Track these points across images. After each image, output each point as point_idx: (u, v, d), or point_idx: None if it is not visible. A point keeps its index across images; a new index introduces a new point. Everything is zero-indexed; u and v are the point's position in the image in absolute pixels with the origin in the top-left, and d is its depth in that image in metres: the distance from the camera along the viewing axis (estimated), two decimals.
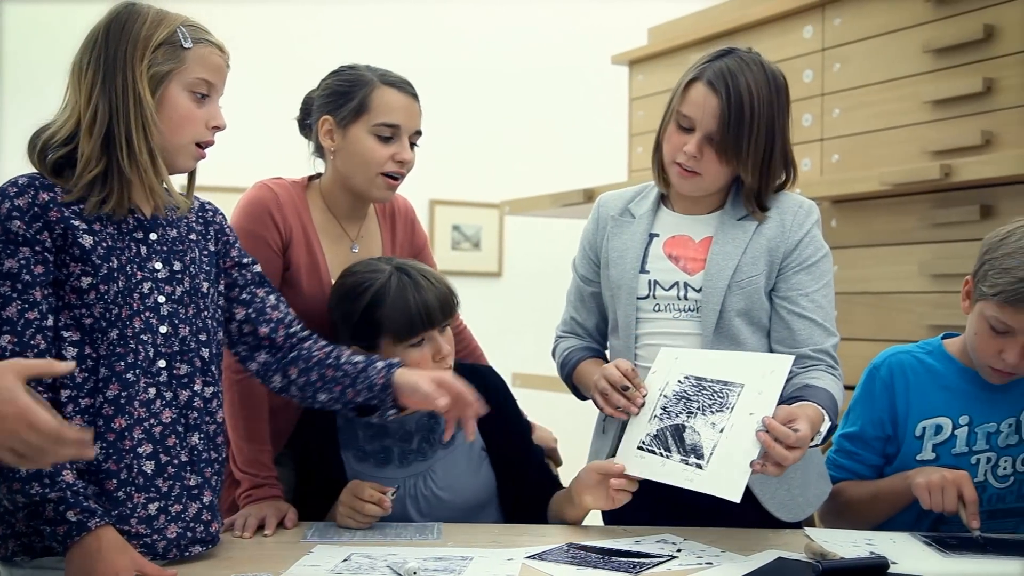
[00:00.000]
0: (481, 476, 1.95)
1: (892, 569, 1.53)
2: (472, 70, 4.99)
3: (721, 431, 1.65)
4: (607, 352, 2.04)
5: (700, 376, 1.72)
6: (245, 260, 1.77)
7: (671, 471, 1.68)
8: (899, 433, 1.90)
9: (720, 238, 1.84)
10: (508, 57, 5.08)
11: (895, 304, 2.93)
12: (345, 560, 1.60)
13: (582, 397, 2.01)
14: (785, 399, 1.70)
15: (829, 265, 1.89)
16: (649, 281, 1.86)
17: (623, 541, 1.73)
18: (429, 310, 1.85)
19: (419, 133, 2.04)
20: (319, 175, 2.10)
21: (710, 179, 1.81)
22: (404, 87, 2.01)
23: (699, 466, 1.64)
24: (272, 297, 1.78)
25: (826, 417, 1.68)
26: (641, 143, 3.83)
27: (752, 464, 1.60)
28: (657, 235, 1.89)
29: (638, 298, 1.87)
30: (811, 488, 1.88)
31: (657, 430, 1.71)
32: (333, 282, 1.99)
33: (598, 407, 1.86)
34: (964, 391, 1.87)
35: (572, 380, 1.99)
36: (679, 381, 1.73)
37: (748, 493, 1.80)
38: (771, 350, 1.82)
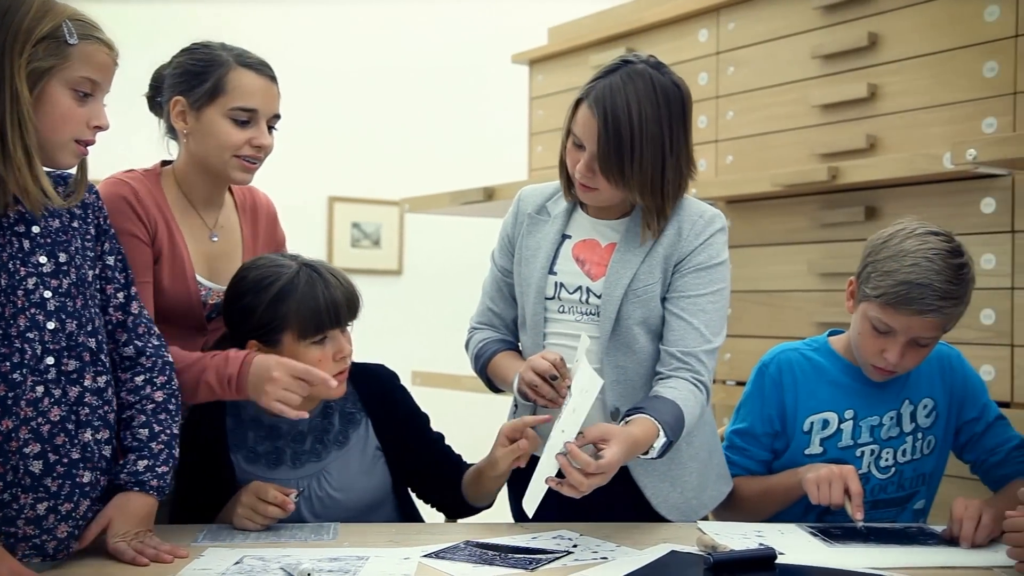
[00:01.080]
0: (376, 476, 1.94)
1: (780, 560, 1.57)
2: (373, 67, 4.96)
3: (549, 444, 1.65)
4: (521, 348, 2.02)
5: (583, 383, 1.72)
6: (108, 260, 1.70)
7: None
8: (788, 428, 1.95)
9: (623, 246, 1.84)
10: (409, 54, 5.06)
11: (785, 302, 3.01)
12: (237, 563, 1.57)
13: (495, 390, 2.01)
14: (632, 408, 1.72)
15: (723, 274, 1.87)
16: (556, 283, 1.87)
17: (520, 538, 1.74)
18: (337, 307, 1.83)
19: (277, 117, 1.96)
20: (170, 162, 2.01)
21: (607, 194, 1.80)
22: (262, 69, 1.93)
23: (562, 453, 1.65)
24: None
25: (662, 433, 1.67)
26: (541, 142, 3.86)
27: (548, 481, 1.61)
28: (569, 236, 1.90)
29: (546, 298, 1.88)
30: (707, 491, 1.91)
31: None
32: (196, 274, 1.93)
33: (521, 399, 1.83)
34: (849, 386, 1.94)
35: (487, 372, 1.97)
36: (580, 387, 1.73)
37: (640, 494, 1.83)
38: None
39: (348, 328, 1.89)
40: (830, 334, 2.02)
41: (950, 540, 1.69)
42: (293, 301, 1.80)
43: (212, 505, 1.85)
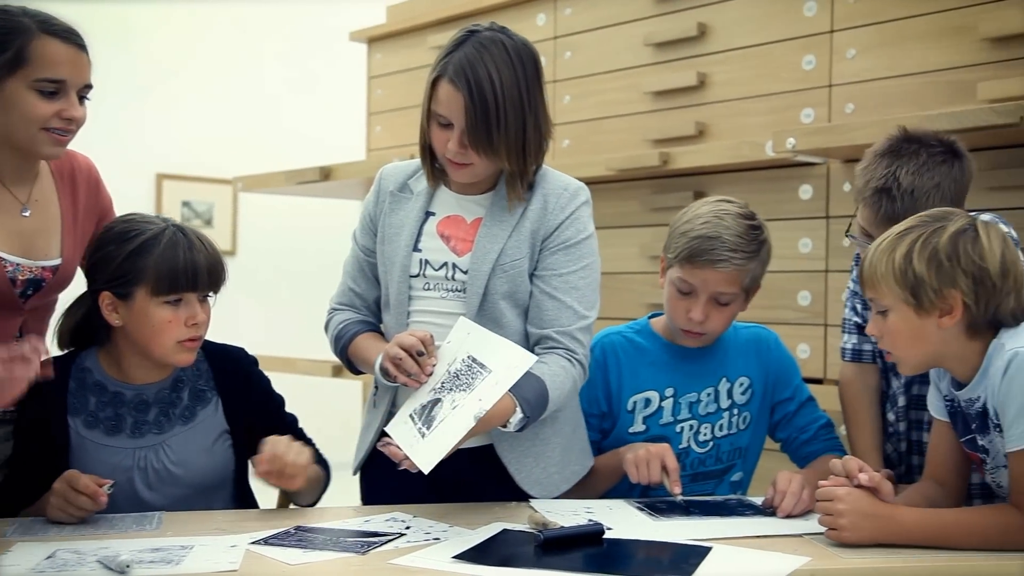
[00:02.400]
0: (218, 456, 1.89)
1: (608, 535, 1.61)
2: (207, 40, 4.78)
3: (453, 409, 1.66)
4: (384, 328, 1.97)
5: (475, 356, 1.72)
6: None
7: (408, 442, 1.69)
8: (614, 409, 2.00)
9: (488, 220, 1.83)
10: (245, 28, 4.90)
11: (618, 284, 3.09)
12: (49, 557, 1.49)
13: (356, 371, 1.97)
14: None
15: (592, 247, 1.88)
16: (421, 260, 1.85)
17: (352, 521, 1.72)
18: (196, 270, 1.81)
19: (89, 87, 1.84)
20: None
21: (480, 168, 1.79)
22: (69, 36, 1.80)
23: (422, 435, 1.66)
24: None
25: (518, 409, 1.70)
26: (379, 122, 3.81)
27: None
28: (433, 213, 1.88)
29: (410, 276, 1.85)
30: (570, 465, 1.93)
31: (425, 403, 1.71)
32: (2, 254, 1.82)
33: (382, 377, 1.78)
34: (669, 365, 2.01)
35: (347, 353, 1.91)
36: (463, 360, 1.72)
37: (504, 470, 1.84)
38: (526, 331, 1.86)
39: (209, 301, 1.87)
40: (651, 316, 2.08)
41: (767, 510, 1.77)
42: (153, 256, 1.79)
43: (43, 480, 1.74)
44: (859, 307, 1.99)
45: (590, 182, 3.13)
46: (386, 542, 1.59)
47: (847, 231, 1.97)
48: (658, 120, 3.03)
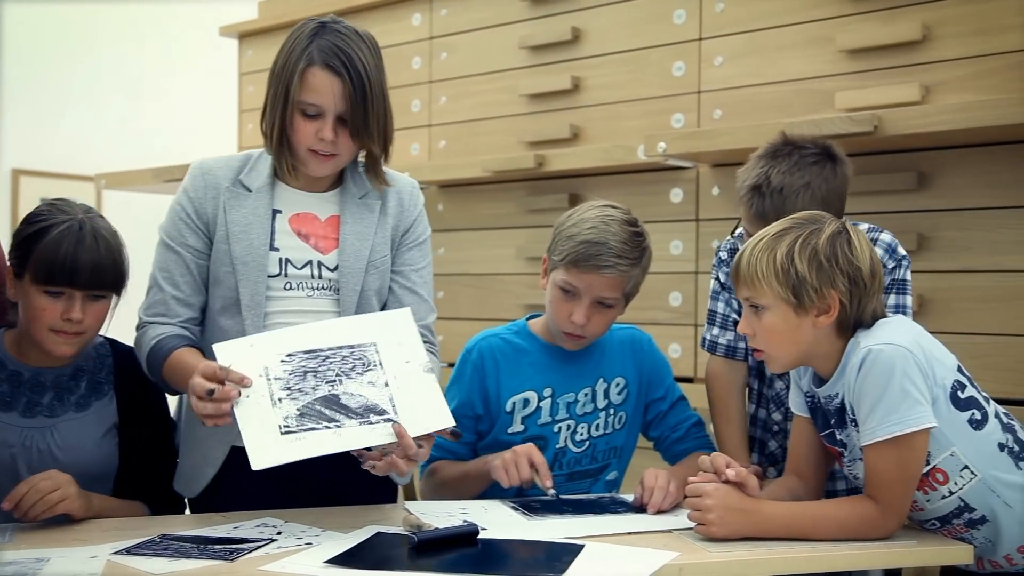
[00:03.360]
0: (104, 450, 1.87)
1: (482, 535, 1.61)
2: (70, 32, 4.58)
3: (386, 384, 1.65)
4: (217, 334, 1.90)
5: (311, 349, 1.68)
6: None
7: (356, 435, 1.61)
8: (492, 411, 2.00)
9: (349, 218, 1.84)
10: (110, 21, 4.72)
11: (495, 285, 3.10)
12: None
13: (173, 392, 1.86)
14: None
15: (430, 245, 1.97)
16: (281, 259, 1.81)
17: (221, 528, 1.67)
18: (74, 267, 1.77)
19: None
20: None
21: (346, 157, 1.80)
22: None
23: (390, 419, 1.62)
24: None
25: None
26: (252, 119, 3.73)
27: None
28: (280, 211, 1.84)
29: (269, 276, 1.81)
30: None
31: (300, 409, 1.63)
32: None
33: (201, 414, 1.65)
34: (547, 365, 2.02)
35: (164, 372, 1.78)
36: (283, 361, 1.67)
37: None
38: None
39: (102, 301, 1.83)
40: (529, 318, 2.09)
41: (639, 507, 1.81)
42: (40, 244, 1.78)
43: None
44: (735, 304, 2.04)
45: (466, 183, 3.16)
46: (256, 548, 1.55)
47: (733, 231, 2.02)
48: (533, 122, 3.05)
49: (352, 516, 1.75)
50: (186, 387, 1.69)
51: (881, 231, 1.94)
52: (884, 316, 1.64)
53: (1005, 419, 1.64)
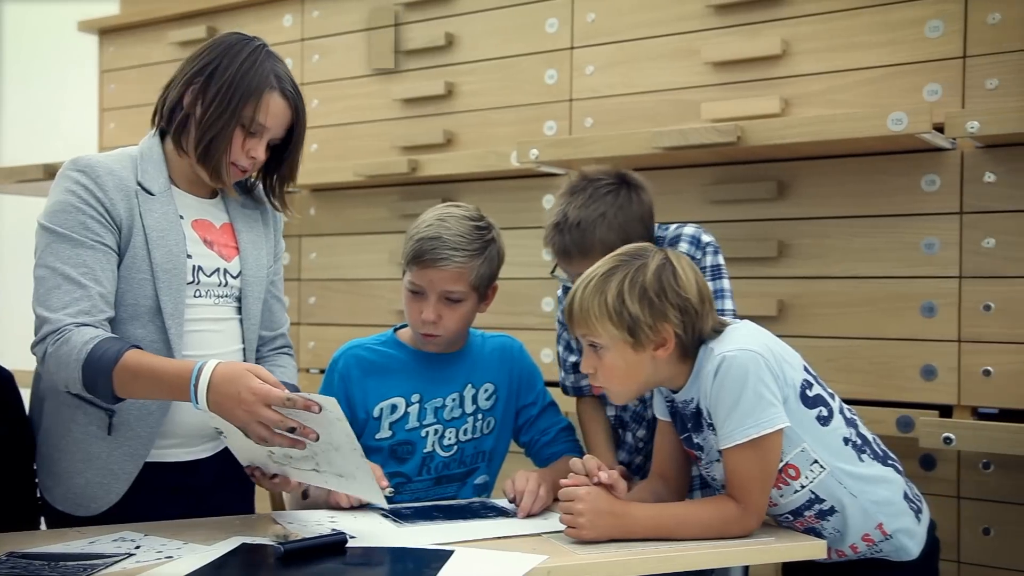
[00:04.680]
0: None
1: (351, 544, 1.59)
2: None
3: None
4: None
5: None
6: None
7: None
8: (359, 418, 1.98)
9: (242, 226, 1.88)
10: None
11: (367, 290, 3.07)
12: None
13: (114, 398, 1.63)
14: None
15: None
16: (194, 266, 1.78)
17: (75, 544, 1.60)
18: None
19: None
20: None
21: (254, 172, 1.85)
22: None
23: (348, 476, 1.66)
24: None
25: None
26: (113, 119, 3.60)
27: None
28: (183, 217, 1.79)
29: (187, 283, 1.76)
30: None
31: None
32: None
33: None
34: (415, 371, 2.01)
35: (117, 377, 1.59)
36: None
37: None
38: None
39: None
40: (397, 328, 2.08)
41: (511, 511, 1.81)
42: None
43: None
44: (574, 344, 2.07)
45: (339, 188, 3.12)
46: (113, 563, 1.49)
47: (552, 272, 2.03)
48: (407, 127, 3.04)
49: (216, 528, 1.70)
50: (158, 394, 1.62)
51: (685, 225, 2.01)
52: (725, 324, 1.70)
53: (848, 414, 1.72)
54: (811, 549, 1.66)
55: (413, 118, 3.03)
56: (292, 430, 1.55)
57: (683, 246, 1.97)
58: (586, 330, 1.68)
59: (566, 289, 2.01)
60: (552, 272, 2.04)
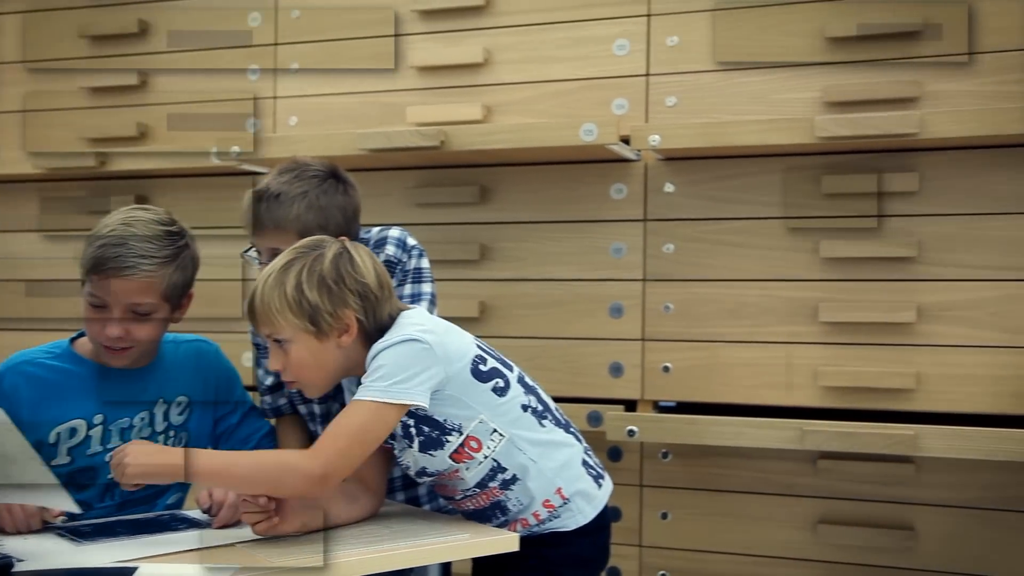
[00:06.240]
0: None
1: (20, 567, 1.46)
2: None
3: None
4: None
5: None
6: None
7: None
8: (32, 444, 1.80)
9: None
10: None
11: (52, 290, 2.85)
12: None
13: None
14: None
15: None
16: None
17: None
18: None
19: None
20: None
21: None
22: None
23: None
24: None
25: None
26: None
27: None
28: None
29: None
30: None
31: None
32: None
33: None
34: (97, 390, 1.85)
35: None
36: None
37: None
38: None
39: None
40: (75, 337, 1.92)
41: (205, 522, 1.73)
42: None
43: None
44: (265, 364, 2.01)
45: (17, 180, 2.86)
46: None
47: (244, 251, 1.95)
48: (95, 118, 2.85)
49: None
50: None
51: (390, 228, 2.02)
52: (403, 309, 1.73)
53: (529, 382, 1.79)
54: (505, 543, 1.71)
55: (103, 109, 2.85)
56: None
57: (389, 249, 1.97)
58: (269, 327, 1.66)
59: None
60: (244, 252, 1.95)
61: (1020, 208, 2.18)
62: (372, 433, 1.61)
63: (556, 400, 2.00)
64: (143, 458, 1.54)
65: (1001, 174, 2.19)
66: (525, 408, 1.74)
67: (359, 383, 1.70)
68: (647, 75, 2.44)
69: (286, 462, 1.60)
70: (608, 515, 1.83)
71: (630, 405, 2.41)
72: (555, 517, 1.76)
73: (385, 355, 1.62)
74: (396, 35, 2.62)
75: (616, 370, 2.42)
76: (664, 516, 2.43)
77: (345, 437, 1.59)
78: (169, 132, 2.79)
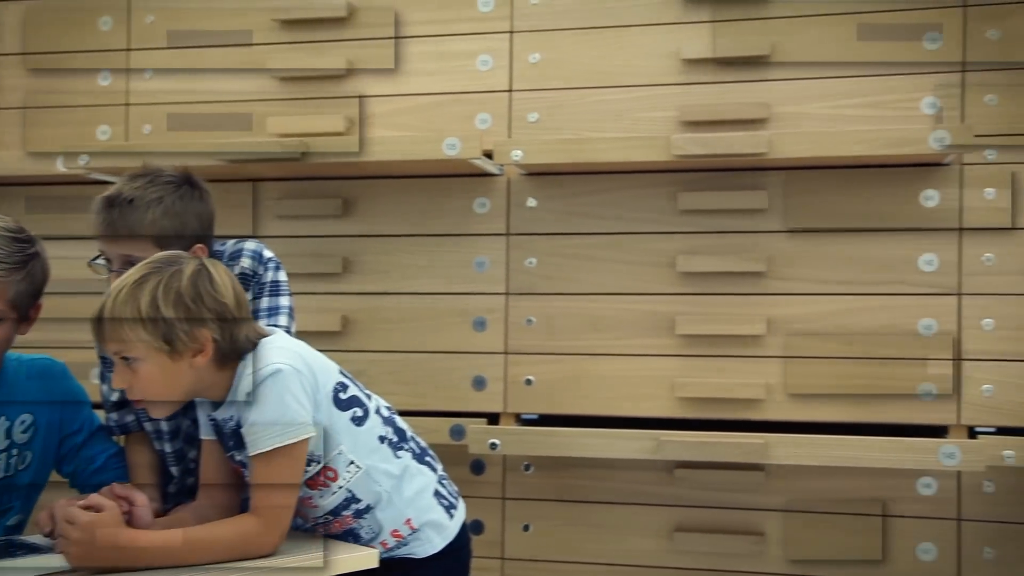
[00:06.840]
0: None
1: None
2: None
3: None
4: None
5: None
6: None
7: None
8: None
9: None
10: None
11: None
12: None
13: None
14: None
15: None
16: None
17: None
18: None
19: None
20: None
21: None
22: None
23: None
24: None
25: None
26: None
27: None
28: None
29: None
30: None
31: None
32: None
33: None
34: None
35: None
36: None
37: None
38: None
39: None
40: None
41: (47, 547, 1.65)
42: None
43: None
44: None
45: None
46: None
47: (92, 260, 1.88)
48: None
49: None
50: None
51: (246, 240, 1.98)
52: (261, 335, 1.69)
53: (386, 412, 1.77)
54: (365, 559, 1.69)
55: None
56: None
57: (245, 261, 1.92)
58: (118, 343, 1.58)
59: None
60: (92, 260, 1.87)
61: (860, 225, 2.29)
62: (295, 475, 1.60)
63: (419, 414, 2.01)
64: (90, 551, 1.49)
65: (843, 193, 2.30)
66: (382, 440, 1.72)
67: (212, 405, 1.66)
68: (510, 91, 2.47)
69: (246, 534, 1.57)
70: (464, 539, 1.84)
71: (493, 418, 2.42)
72: (403, 545, 1.75)
73: (263, 395, 1.58)
74: (255, 44, 2.57)
75: (479, 383, 2.43)
76: (526, 528, 2.45)
77: (280, 494, 1.58)
78: (14, 138, 2.67)
